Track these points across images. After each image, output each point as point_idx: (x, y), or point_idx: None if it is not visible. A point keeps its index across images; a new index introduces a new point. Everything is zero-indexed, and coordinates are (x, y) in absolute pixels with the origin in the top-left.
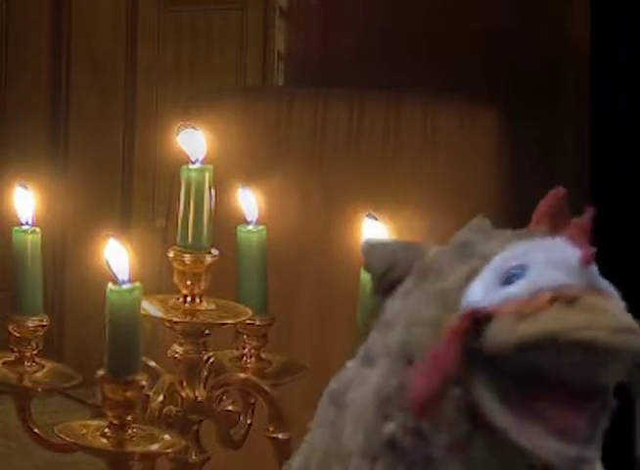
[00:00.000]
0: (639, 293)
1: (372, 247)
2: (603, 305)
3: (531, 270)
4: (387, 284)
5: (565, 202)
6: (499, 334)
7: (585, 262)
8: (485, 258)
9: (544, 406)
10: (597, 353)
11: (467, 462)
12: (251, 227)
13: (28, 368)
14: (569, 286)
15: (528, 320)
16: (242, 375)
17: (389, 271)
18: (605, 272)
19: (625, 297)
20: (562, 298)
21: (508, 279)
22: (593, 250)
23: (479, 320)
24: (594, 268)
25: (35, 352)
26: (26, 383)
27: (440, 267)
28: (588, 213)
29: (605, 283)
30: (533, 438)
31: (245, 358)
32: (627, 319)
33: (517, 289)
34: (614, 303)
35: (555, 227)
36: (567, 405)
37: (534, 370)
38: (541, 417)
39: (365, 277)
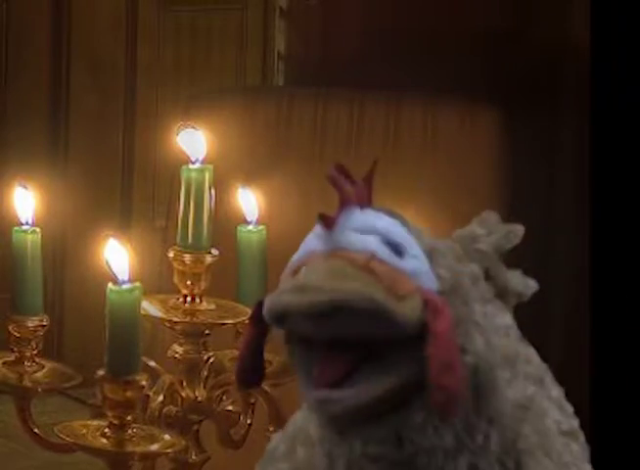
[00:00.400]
0: (639, 290)
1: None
2: (309, 270)
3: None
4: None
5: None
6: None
7: (326, 225)
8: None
9: (309, 362)
10: (292, 316)
11: None
12: (251, 227)
13: (28, 368)
14: (310, 253)
15: (273, 298)
16: None
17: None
18: (605, 271)
19: (625, 294)
20: (295, 268)
21: (296, 269)
22: (345, 215)
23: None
24: (346, 227)
25: (35, 352)
26: (26, 383)
27: None
28: (357, 186)
29: (356, 241)
30: (306, 392)
31: None
32: (303, 281)
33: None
34: (329, 263)
35: (337, 185)
36: (318, 358)
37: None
38: (307, 374)
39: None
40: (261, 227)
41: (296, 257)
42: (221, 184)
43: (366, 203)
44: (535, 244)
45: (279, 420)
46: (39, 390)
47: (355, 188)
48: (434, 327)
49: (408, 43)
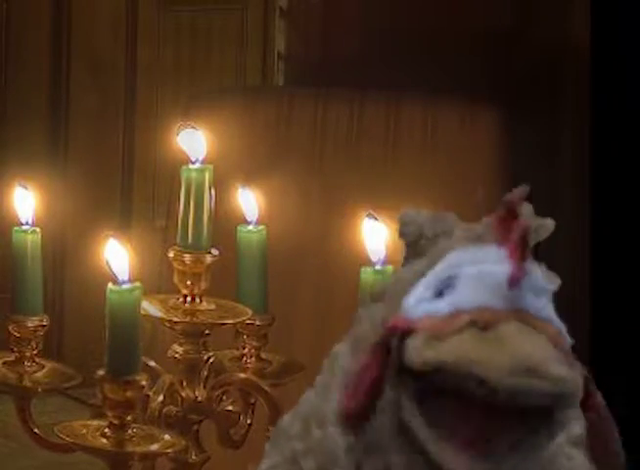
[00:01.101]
0: (639, 290)
1: (405, 215)
2: (514, 337)
3: (459, 285)
4: (416, 253)
5: (517, 205)
6: (410, 353)
7: (512, 283)
8: (433, 260)
9: (457, 420)
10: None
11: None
12: (251, 227)
13: (28, 368)
14: (488, 309)
15: (437, 344)
16: (242, 375)
17: (419, 240)
18: (605, 271)
19: (625, 294)
20: (478, 322)
21: (439, 291)
22: (525, 269)
23: (401, 334)
24: (527, 287)
25: (35, 352)
26: (26, 383)
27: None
28: (524, 225)
29: (538, 305)
30: (445, 452)
31: (245, 358)
32: (530, 359)
33: (440, 305)
34: (532, 333)
35: (502, 233)
36: (476, 421)
37: (449, 387)
38: (453, 431)
39: (365, 276)
40: (261, 227)
41: (460, 302)
42: (221, 184)
43: (527, 251)
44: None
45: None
46: (39, 390)
47: (513, 238)
48: (595, 399)
49: (408, 43)
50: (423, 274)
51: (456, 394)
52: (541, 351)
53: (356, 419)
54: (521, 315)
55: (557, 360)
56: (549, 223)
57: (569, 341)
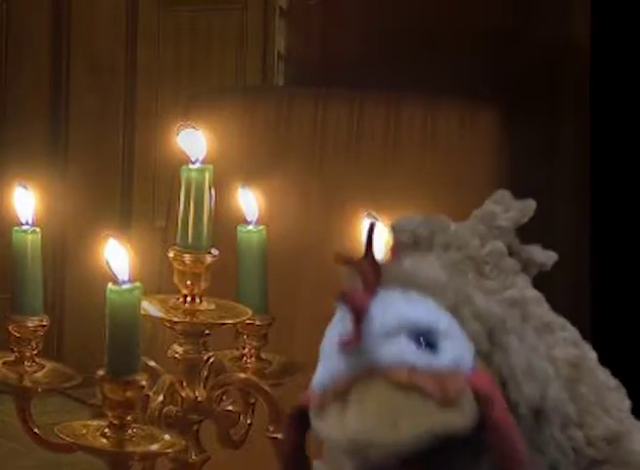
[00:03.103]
0: (638, 290)
1: (398, 221)
2: (350, 411)
3: (323, 353)
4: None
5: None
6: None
7: (345, 347)
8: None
9: None
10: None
11: None
12: (251, 227)
13: (28, 368)
14: (337, 379)
15: (320, 419)
16: (242, 375)
17: (414, 245)
18: (605, 270)
19: (626, 294)
20: (335, 395)
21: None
22: (365, 324)
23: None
24: (375, 337)
25: (35, 352)
26: (26, 383)
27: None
28: (370, 261)
29: (389, 354)
30: None
31: (245, 358)
32: (357, 436)
33: (317, 377)
34: (370, 396)
35: (346, 295)
36: None
37: None
38: None
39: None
40: (261, 227)
41: (318, 382)
42: (221, 184)
43: (375, 289)
44: (535, 244)
45: (279, 420)
46: (39, 390)
47: (363, 276)
48: (492, 418)
49: (408, 43)
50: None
51: None
52: (373, 417)
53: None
54: (370, 372)
55: (393, 421)
56: (531, 204)
57: (442, 367)
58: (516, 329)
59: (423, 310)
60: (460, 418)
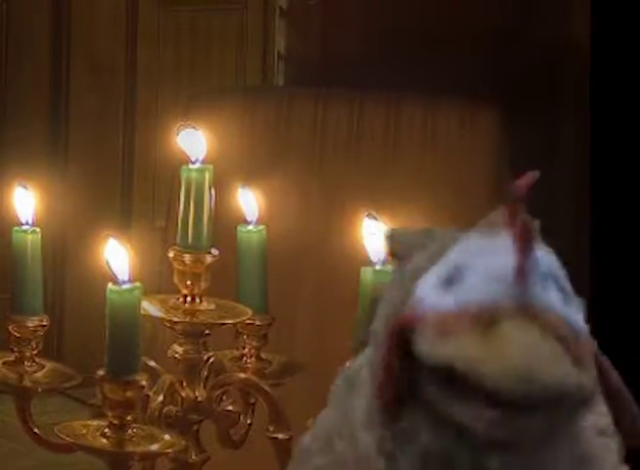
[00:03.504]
0: (638, 290)
1: (394, 232)
2: (514, 339)
3: (467, 277)
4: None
5: (523, 191)
6: (419, 347)
7: (518, 276)
8: (444, 246)
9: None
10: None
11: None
12: (251, 227)
13: (28, 368)
14: (493, 305)
15: (442, 342)
16: (242, 375)
17: (411, 257)
18: (605, 270)
19: (626, 294)
20: (482, 319)
21: (448, 281)
22: (530, 258)
23: (409, 326)
24: (534, 277)
25: (35, 352)
26: (26, 383)
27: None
28: (522, 218)
29: (545, 296)
30: (476, 415)
31: (245, 358)
32: (527, 365)
33: (447, 299)
34: (533, 332)
35: (509, 219)
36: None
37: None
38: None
39: (365, 276)
40: (261, 227)
41: (466, 297)
42: (221, 184)
43: (532, 238)
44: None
45: (279, 420)
46: (39, 390)
47: (516, 222)
48: (609, 386)
49: (408, 43)
50: (433, 261)
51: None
52: (540, 354)
53: (394, 407)
54: (526, 310)
55: (556, 362)
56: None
57: (579, 327)
58: None
59: (555, 263)
60: (589, 386)
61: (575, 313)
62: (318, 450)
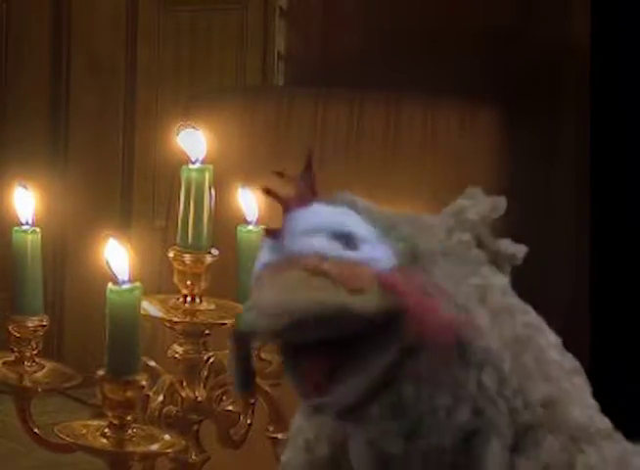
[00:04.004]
0: (638, 290)
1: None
2: (267, 282)
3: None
4: None
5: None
6: None
7: (273, 238)
8: None
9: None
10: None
11: None
12: (251, 227)
13: (28, 368)
14: (264, 266)
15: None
16: None
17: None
18: (605, 271)
19: (626, 295)
20: (255, 282)
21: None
22: (289, 222)
23: None
24: (295, 231)
25: (35, 352)
26: (26, 383)
27: None
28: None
29: (304, 246)
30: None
31: None
32: (261, 299)
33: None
34: (288, 272)
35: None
36: (300, 367)
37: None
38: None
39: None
40: (261, 227)
41: (254, 275)
42: (221, 184)
43: (308, 200)
44: (535, 244)
45: (279, 420)
46: (39, 390)
47: (296, 187)
48: (406, 306)
49: (408, 43)
50: None
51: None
52: (273, 289)
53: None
54: (286, 260)
55: (301, 290)
56: (501, 201)
57: (351, 259)
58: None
59: (347, 218)
60: (360, 304)
61: (359, 252)
62: (308, 426)
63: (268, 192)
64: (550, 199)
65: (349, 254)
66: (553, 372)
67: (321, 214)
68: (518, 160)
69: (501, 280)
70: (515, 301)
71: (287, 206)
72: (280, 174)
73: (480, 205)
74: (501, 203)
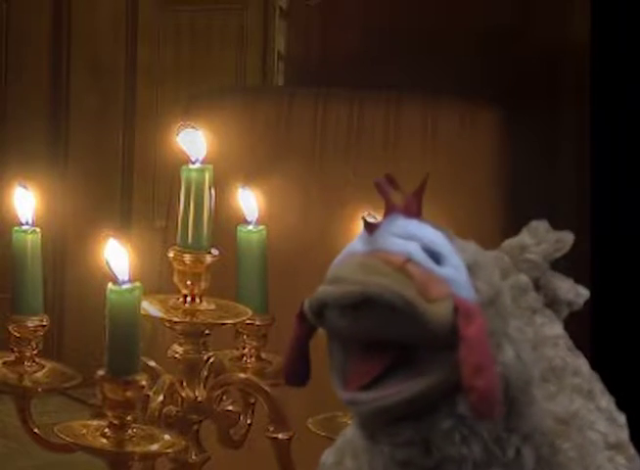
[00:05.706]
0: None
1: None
2: (343, 264)
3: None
4: None
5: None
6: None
7: (369, 231)
8: None
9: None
10: (329, 310)
11: None
12: (251, 227)
13: (28, 368)
14: (350, 254)
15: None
16: (242, 375)
17: None
18: (606, 271)
19: (627, 295)
20: None
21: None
22: (387, 223)
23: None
24: (385, 233)
25: (35, 352)
26: (26, 383)
27: None
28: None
29: (394, 246)
30: (338, 392)
31: (245, 358)
32: (342, 271)
33: None
34: (366, 260)
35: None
36: (353, 359)
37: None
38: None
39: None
40: (261, 227)
41: (337, 258)
42: (221, 184)
43: (413, 214)
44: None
45: (279, 420)
46: (39, 390)
47: (404, 199)
48: (465, 331)
49: (408, 43)
50: None
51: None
52: (356, 267)
53: (293, 381)
54: (372, 252)
55: (370, 273)
56: (567, 237)
57: (430, 268)
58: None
59: (441, 240)
60: (431, 312)
61: (442, 269)
62: (331, 466)
63: (380, 187)
64: (550, 199)
65: (434, 267)
66: (595, 461)
67: (419, 228)
68: (518, 160)
69: (554, 330)
70: (567, 356)
71: (391, 208)
72: (390, 180)
73: (543, 244)
74: (567, 239)
